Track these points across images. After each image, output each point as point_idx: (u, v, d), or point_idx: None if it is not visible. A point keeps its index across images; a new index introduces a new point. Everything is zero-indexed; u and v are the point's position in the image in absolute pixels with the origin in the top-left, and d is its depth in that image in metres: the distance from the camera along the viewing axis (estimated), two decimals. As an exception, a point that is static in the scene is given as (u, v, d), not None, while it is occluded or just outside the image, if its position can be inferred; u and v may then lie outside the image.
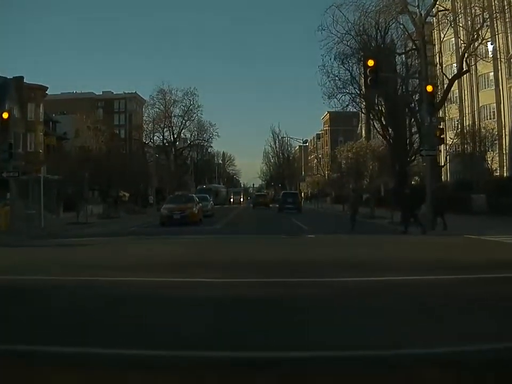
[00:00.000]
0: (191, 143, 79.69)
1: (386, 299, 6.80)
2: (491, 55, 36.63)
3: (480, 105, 46.99)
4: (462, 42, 33.37)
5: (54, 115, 65.63)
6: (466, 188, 32.77)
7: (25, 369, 3.83)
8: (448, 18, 32.14)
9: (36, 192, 24.77)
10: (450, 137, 35.02)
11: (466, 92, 48.52)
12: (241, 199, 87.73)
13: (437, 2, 29.60)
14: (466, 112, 47.76)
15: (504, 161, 42.01)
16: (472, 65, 34.09)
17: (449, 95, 33.16)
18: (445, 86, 31.36)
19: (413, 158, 26.44)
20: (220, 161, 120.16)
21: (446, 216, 19.45)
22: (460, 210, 27.38)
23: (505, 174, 41.02)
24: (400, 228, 20.09)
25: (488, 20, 29.91)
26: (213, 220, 30.29)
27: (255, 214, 42.96)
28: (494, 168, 39.04)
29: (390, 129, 25.72)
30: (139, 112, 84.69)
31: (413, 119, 27.06)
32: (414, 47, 27.82)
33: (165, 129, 73.82)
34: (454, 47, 43.73)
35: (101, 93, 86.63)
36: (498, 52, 35.49)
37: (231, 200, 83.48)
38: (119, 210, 38.45)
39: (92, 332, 5.27)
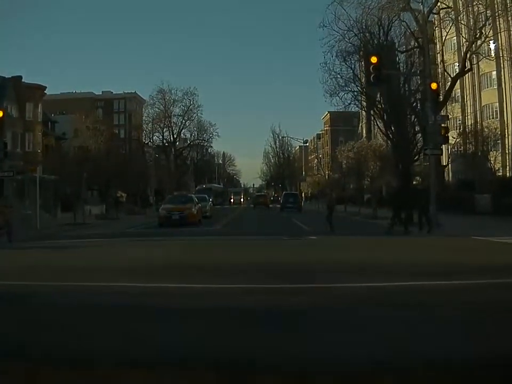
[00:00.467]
0: (191, 143, 79.31)
1: (407, 308, 6.21)
2: (493, 54, 36.26)
3: (483, 104, 46.58)
4: (464, 40, 32.98)
5: (53, 115, 65.30)
6: (468, 188, 32.39)
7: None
8: (450, 16, 31.78)
9: (32, 192, 24.38)
10: (452, 137, 34.61)
11: (468, 91, 48.12)
12: (242, 199, 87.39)
13: (439, 0, 29.22)
14: (468, 111, 47.35)
15: (507, 160, 41.60)
16: (474, 64, 33.73)
17: (451, 94, 32.84)
18: (447, 85, 31.00)
19: (416, 157, 26.01)
20: (220, 162, 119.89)
21: (432, 216, 19.03)
22: (463, 211, 26.99)
23: (508, 174, 40.64)
24: (401, 229, 19.63)
25: (490, 18, 29.56)
26: (212, 221, 29.90)
27: (255, 214, 42.63)
28: (497, 168, 38.61)
29: (393, 128, 25.28)
30: (139, 112, 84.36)
31: (414, 118, 26.63)
32: (417, 45, 27.42)
33: (164, 129, 73.49)
34: (456, 46, 43.39)
35: (101, 93, 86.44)
36: (501, 50, 35.09)
37: (231, 200, 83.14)
38: (118, 211, 38.03)
39: (32, 350, 4.45)
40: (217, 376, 3.78)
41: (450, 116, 42.20)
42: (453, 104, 41.40)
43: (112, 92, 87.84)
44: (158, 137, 73.96)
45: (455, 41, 42.95)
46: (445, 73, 33.00)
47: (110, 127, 65.46)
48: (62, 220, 28.78)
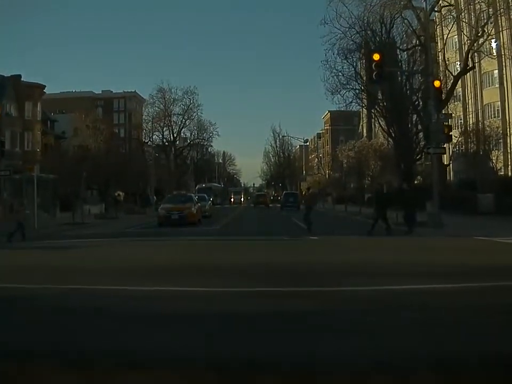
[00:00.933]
0: (191, 142, 79.04)
1: (418, 312, 5.93)
2: (495, 53, 36.02)
3: (484, 103, 46.32)
4: (466, 38, 32.76)
5: (52, 114, 65.08)
6: (470, 188, 32.10)
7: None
8: (452, 14, 31.56)
9: (30, 191, 24.13)
10: (454, 136, 34.38)
11: (469, 90, 47.85)
12: (242, 199, 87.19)
13: (441, -2, 29.05)
14: (470, 110, 47.09)
15: (509, 160, 41.29)
16: (476, 63, 33.51)
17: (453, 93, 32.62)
18: (449, 83, 30.77)
19: (418, 157, 25.77)
20: (220, 161, 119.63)
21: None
22: (466, 211, 26.72)
23: (510, 173, 40.35)
24: (402, 228, 19.36)
25: (492, 16, 29.34)
26: (212, 220, 29.65)
27: (255, 213, 42.43)
28: (499, 167, 38.33)
29: (394, 127, 25.05)
30: (138, 111, 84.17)
31: (416, 117, 26.39)
32: (418, 43, 27.18)
33: (164, 128, 73.23)
34: (457, 45, 43.13)
35: (100, 92, 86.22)
36: (502, 48, 34.87)
37: (232, 199, 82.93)
38: (118, 211, 37.78)
39: None
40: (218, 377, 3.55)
41: (455, 114, 42.03)
42: (455, 103, 41.14)
43: (112, 91, 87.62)
44: (158, 136, 73.78)
45: (457, 39, 42.69)
46: (447, 71, 32.75)
47: (110, 126, 65.26)
48: (61, 219, 28.53)
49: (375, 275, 8.79)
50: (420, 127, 25.09)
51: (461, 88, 45.33)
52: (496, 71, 43.75)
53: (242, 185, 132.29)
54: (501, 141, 38.67)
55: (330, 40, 26.10)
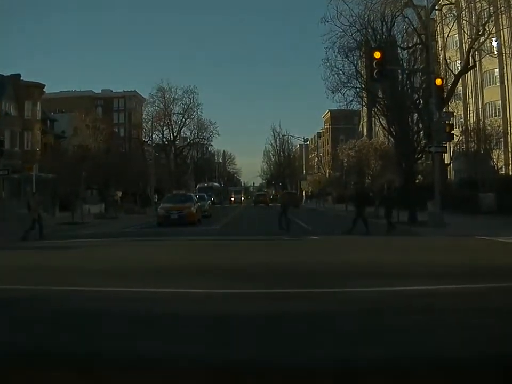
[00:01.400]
0: (191, 142, 78.91)
1: (421, 314, 5.78)
2: (496, 51, 35.89)
3: (485, 102, 46.21)
4: (467, 37, 32.64)
5: (52, 113, 64.92)
6: (471, 187, 31.98)
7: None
8: (453, 12, 31.42)
9: (29, 191, 24.01)
10: (455, 135, 34.27)
11: (470, 88, 47.73)
12: (242, 198, 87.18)
13: (442, -4, 28.89)
14: (471, 109, 46.97)
15: (510, 159, 41.17)
16: (477, 61, 33.38)
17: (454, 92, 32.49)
18: (450, 82, 30.62)
19: (419, 155, 25.62)
20: (220, 160, 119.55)
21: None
22: (467, 210, 26.59)
23: (511, 172, 40.24)
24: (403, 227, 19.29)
25: (493, 14, 29.20)
26: (212, 220, 29.52)
27: (255, 213, 42.33)
28: (500, 166, 38.23)
29: (395, 126, 24.91)
30: (138, 110, 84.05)
31: (417, 115, 26.24)
32: (419, 42, 27.03)
33: (164, 128, 73.05)
34: (458, 43, 43.03)
35: (100, 91, 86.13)
36: (503, 47, 34.74)
37: (232, 199, 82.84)
38: (118, 210, 37.66)
39: None
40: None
41: (456, 113, 41.91)
42: (456, 102, 41.01)
43: (111, 90, 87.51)
44: (157, 135, 73.60)
45: (457, 38, 42.60)
46: (448, 70, 32.61)
47: (110, 126, 65.14)
48: (60, 219, 28.43)
49: (376, 276, 8.62)
50: (421, 125, 24.93)
51: (461, 87, 45.21)
52: (497, 69, 43.65)
53: (243, 184, 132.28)
54: (502, 139, 38.59)
55: (331, 39, 25.92)
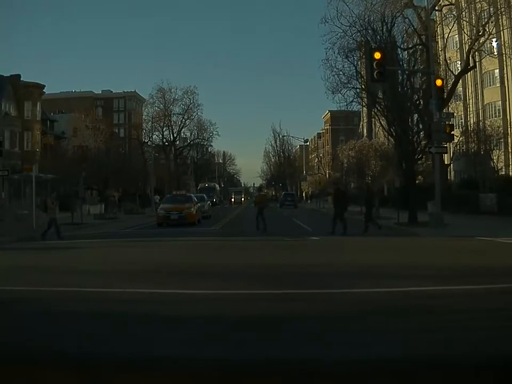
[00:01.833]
0: (191, 142, 78.88)
1: (422, 315, 5.71)
2: (496, 52, 35.90)
3: (485, 102, 46.19)
4: (467, 37, 32.62)
5: (52, 114, 64.97)
6: (471, 187, 31.99)
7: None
8: (453, 13, 31.41)
9: (29, 191, 23.99)
10: (455, 136, 34.28)
11: (470, 89, 47.71)
12: (242, 199, 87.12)
13: (442, -4, 28.90)
14: (471, 110, 46.96)
15: (510, 159, 41.18)
16: (477, 62, 33.37)
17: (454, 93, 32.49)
18: (450, 83, 30.62)
19: (419, 156, 25.60)
20: (220, 161, 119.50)
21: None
22: (467, 210, 26.59)
23: (511, 173, 40.25)
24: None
25: (493, 15, 29.20)
26: (212, 221, 29.49)
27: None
28: (500, 167, 38.22)
29: (395, 126, 24.89)
30: (138, 111, 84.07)
31: (417, 116, 26.22)
32: (419, 42, 27.02)
33: (164, 128, 72.95)
34: (458, 44, 43.01)
35: (100, 92, 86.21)
36: (503, 47, 34.73)
37: (232, 199, 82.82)
38: (117, 211, 37.62)
39: None
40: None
41: (456, 113, 41.92)
42: (456, 103, 41.01)
43: (111, 91, 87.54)
44: (157, 136, 73.43)
45: (457, 39, 42.58)
46: (448, 71, 32.62)
47: (110, 126, 65.18)
48: (60, 219, 28.30)
49: (377, 276, 8.59)
50: (421, 126, 24.92)
51: (461, 88, 45.20)
52: (497, 70, 43.65)
53: (243, 185, 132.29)
54: (502, 140, 38.58)
55: (331, 39, 25.86)
